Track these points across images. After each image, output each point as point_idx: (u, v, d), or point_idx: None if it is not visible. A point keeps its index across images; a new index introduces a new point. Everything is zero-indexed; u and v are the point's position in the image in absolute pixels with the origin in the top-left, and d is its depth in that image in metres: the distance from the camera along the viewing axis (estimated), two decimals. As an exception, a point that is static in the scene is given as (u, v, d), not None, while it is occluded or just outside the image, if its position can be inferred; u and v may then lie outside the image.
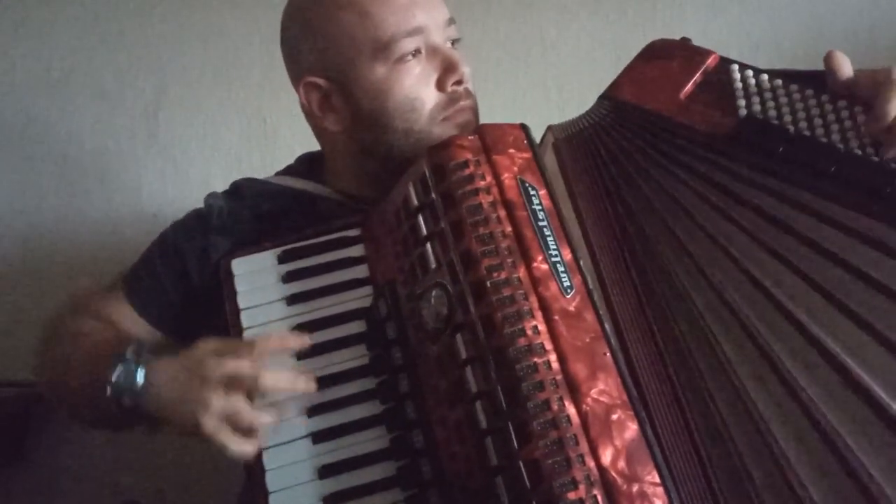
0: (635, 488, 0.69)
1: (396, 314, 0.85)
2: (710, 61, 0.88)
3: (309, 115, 1.01)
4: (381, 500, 0.80)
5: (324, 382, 0.84)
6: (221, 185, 1.08)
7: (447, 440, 0.78)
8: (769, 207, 0.77)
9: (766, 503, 0.71)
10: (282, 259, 0.92)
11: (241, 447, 0.78)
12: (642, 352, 0.77)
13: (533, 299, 0.76)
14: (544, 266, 0.78)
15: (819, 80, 0.82)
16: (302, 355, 0.86)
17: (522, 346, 0.74)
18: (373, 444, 0.82)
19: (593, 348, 0.75)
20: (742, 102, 0.83)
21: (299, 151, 1.13)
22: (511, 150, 0.84)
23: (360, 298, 0.89)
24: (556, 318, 0.75)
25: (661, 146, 0.84)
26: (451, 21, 0.97)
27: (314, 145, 1.07)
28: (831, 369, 0.71)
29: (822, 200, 0.76)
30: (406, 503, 0.80)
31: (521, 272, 0.77)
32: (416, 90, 0.93)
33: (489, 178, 0.82)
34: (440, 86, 0.94)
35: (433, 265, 0.82)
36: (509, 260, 0.78)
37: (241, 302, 0.89)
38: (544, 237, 0.79)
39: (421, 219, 0.84)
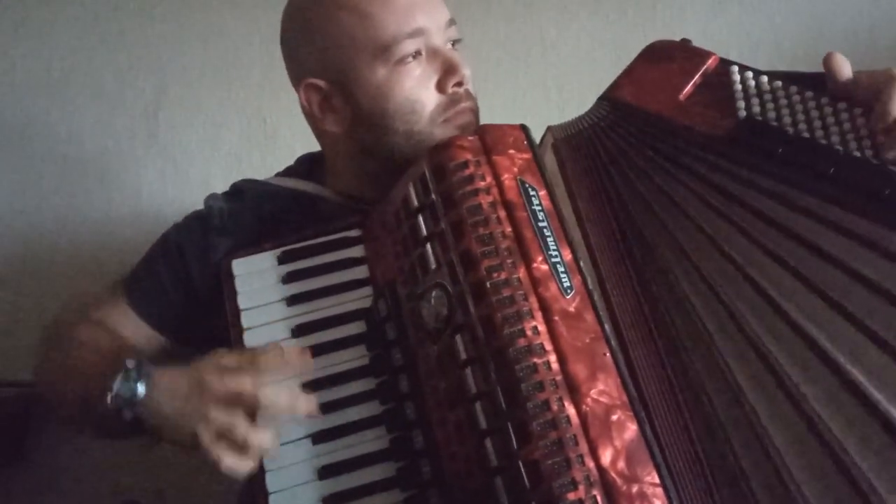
0: (635, 489, 0.69)
1: (396, 315, 0.85)
2: (710, 63, 0.88)
3: (309, 116, 1.01)
4: (381, 501, 0.80)
5: (324, 383, 0.85)
6: (221, 185, 1.08)
7: (447, 441, 0.78)
8: (768, 209, 0.77)
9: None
10: (282, 260, 0.92)
11: (237, 465, 0.78)
12: (642, 352, 0.77)
13: (533, 300, 0.76)
14: (544, 267, 0.78)
15: (819, 82, 0.82)
16: (302, 356, 0.87)
17: (522, 347, 0.74)
18: (373, 444, 0.82)
19: (593, 349, 0.75)
20: (741, 104, 0.83)
21: (299, 151, 1.14)
22: (511, 151, 0.84)
23: (360, 299, 0.89)
24: (556, 318, 0.75)
25: (660, 147, 0.84)
26: (452, 22, 0.97)
27: (314, 145, 1.07)
28: (828, 371, 0.71)
29: (822, 202, 0.76)
30: (406, 504, 0.80)
31: (521, 273, 0.77)
32: (417, 92, 0.93)
33: (489, 179, 0.82)
34: (440, 87, 0.94)
35: (433, 265, 0.82)
36: (509, 260, 0.78)
37: (242, 302, 0.90)
38: (544, 238, 0.79)
39: (421, 219, 0.84)
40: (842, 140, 0.78)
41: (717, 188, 0.80)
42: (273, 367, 0.81)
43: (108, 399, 0.81)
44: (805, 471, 0.70)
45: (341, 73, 0.94)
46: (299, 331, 0.88)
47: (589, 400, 0.72)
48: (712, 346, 0.75)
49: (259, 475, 0.81)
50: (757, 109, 0.82)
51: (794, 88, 0.82)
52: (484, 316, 0.76)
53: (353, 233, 0.93)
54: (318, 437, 0.83)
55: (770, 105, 0.82)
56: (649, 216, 0.82)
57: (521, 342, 0.74)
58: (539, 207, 0.81)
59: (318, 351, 0.86)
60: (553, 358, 0.74)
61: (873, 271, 0.72)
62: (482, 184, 0.81)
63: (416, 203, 0.85)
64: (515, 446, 0.72)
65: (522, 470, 0.71)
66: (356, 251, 0.92)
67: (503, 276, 0.77)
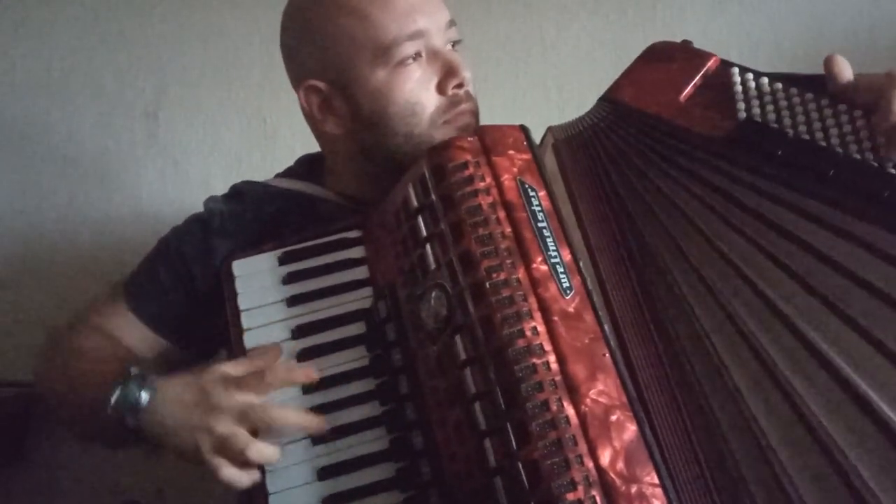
0: (634, 489, 0.69)
1: (396, 315, 0.85)
2: (711, 64, 0.88)
3: (309, 117, 1.01)
4: (381, 501, 0.80)
5: (324, 384, 0.85)
6: (221, 185, 1.08)
7: (447, 441, 0.78)
8: (767, 211, 0.77)
9: None
10: (282, 260, 0.92)
11: (236, 477, 0.78)
12: (642, 353, 0.77)
13: (532, 300, 0.76)
14: (543, 267, 0.78)
15: (819, 84, 0.82)
16: (303, 357, 0.86)
17: (521, 347, 0.74)
18: (372, 445, 0.82)
19: (592, 349, 0.75)
20: (742, 105, 0.83)
21: (299, 151, 1.14)
22: (511, 152, 0.84)
23: (360, 300, 0.89)
24: (556, 319, 0.75)
25: (660, 149, 0.84)
26: (452, 23, 0.96)
27: (314, 146, 1.07)
28: (826, 374, 0.71)
29: (821, 204, 0.76)
30: (405, 504, 0.80)
31: (521, 273, 0.77)
32: (417, 94, 0.93)
33: (489, 180, 0.82)
34: (441, 89, 0.94)
35: (433, 266, 0.82)
36: (508, 261, 0.78)
37: (242, 303, 0.90)
38: (544, 238, 0.79)
39: (420, 220, 0.84)
40: (842, 142, 0.78)
41: (716, 190, 0.80)
42: (279, 384, 0.81)
43: (111, 406, 0.81)
44: (802, 473, 0.70)
45: (341, 74, 0.94)
46: (299, 331, 0.88)
47: (588, 400, 0.72)
48: (710, 347, 0.75)
49: (259, 476, 0.81)
50: (757, 111, 0.82)
51: (794, 90, 0.82)
52: (483, 316, 0.76)
53: (353, 234, 0.93)
54: (318, 438, 0.83)
55: (770, 107, 0.82)
56: (649, 217, 0.82)
57: (521, 343, 0.74)
58: (539, 208, 0.81)
59: (318, 352, 0.87)
60: (552, 358, 0.74)
61: (872, 274, 0.72)
62: (482, 184, 0.81)
63: (415, 204, 0.85)
64: (515, 447, 0.72)
65: (522, 470, 0.71)
66: (356, 252, 0.92)
67: (502, 276, 0.77)
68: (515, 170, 0.83)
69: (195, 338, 0.98)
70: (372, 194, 0.97)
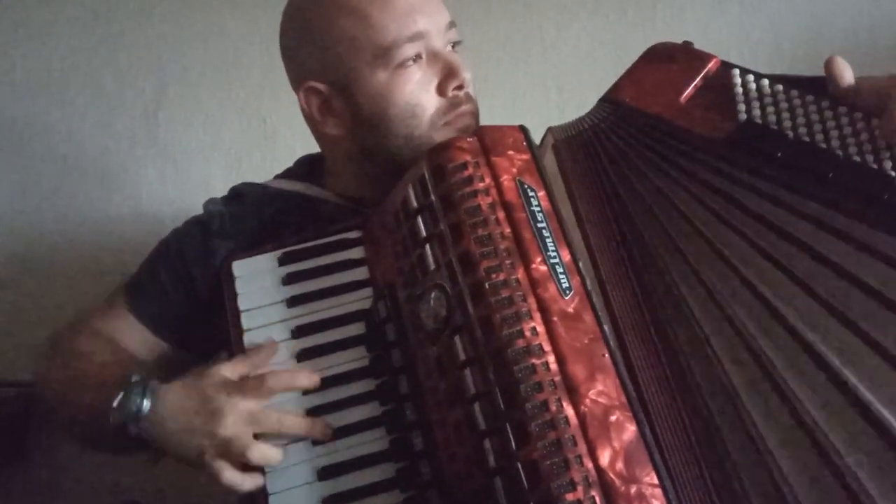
0: (633, 489, 0.69)
1: (396, 316, 0.85)
2: (712, 65, 0.88)
3: (309, 118, 1.01)
4: (381, 502, 0.80)
5: (324, 384, 0.85)
6: (221, 186, 1.08)
7: (446, 441, 0.78)
8: (767, 213, 0.77)
9: None
10: (282, 261, 0.92)
11: (241, 482, 0.78)
12: (642, 353, 0.77)
13: (531, 301, 0.76)
14: (543, 267, 0.78)
15: (820, 86, 0.81)
16: (303, 357, 0.86)
17: (521, 348, 0.74)
18: (372, 445, 0.82)
19: (592, 349, 0.75)
20: (742, 107, 0.83)
21: (299, 152, 1.14)
22: (510, 152, 0.84)
23: (360, 300, 0.89)
24: (555, 319, 0.75)
25: (660, 149, 0.84)
26: (452, 24, 0.96)
27: (314, 146, 1.07)
28: (824, 375, 0.71)
29: (821, 206, 0.75)
30: (405, 504, 0.80)
31: (520, 273, 0.77)
32: (417, 96, 0.93)
33: (488, 180, 0.82)
34: (441, 91, 0.94)
35: (432, 267, 0.82)
36: (508, 261, 0.78)
37: (242, 304, 0.90)
38: (543, 239, 0.79)
39: (420, 220, 0.84)
40: (842, 144, 0.78)
41: (716, 191, 0.80)
42: (281, 388, 0.81)
43: (113, 413, 0.81)
44: (800, 475, 0.70)
45: (341, 76, 0.94)
46: (299, 332, 0.88)
47: (587, 401, 0.72)
48: (709, 349, 0.75)
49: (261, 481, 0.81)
50: (757, 113, 0.82)
51: (794, 92, 0.82)
52: (483, 317, 0.76)
53: (353, 234, 0.93)
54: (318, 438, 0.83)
55: (771, 109, 0.82)
56: (648, 218, 0.82)
57: (520, 343, 0.74)
58: (538, 208, 0.81)
59: (318, 352, 0.87)
60: (552, 359, 0.74)
61: (871, 276, 0.72)
62: (481, 185, 0.81)
63: (415, 204, 0.85)
64: (514, 447, 0.71)
65: (521, 470, 0.71)
66: (356, 252, 0.92)
67: (502, 276, 0.77)
68: (515, 170, 0.83)
69: (195, 339, 0.98)
70: (372, 195, 0.97)
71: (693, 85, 0.87)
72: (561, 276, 0.78)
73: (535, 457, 0.70)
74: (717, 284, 0.77)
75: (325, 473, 0.81)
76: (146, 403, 0.81)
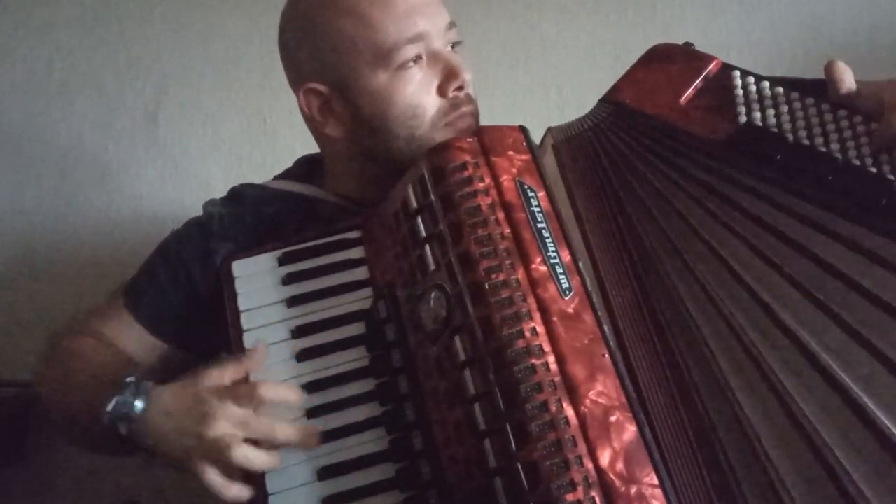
0: (633, 490, 0.69)
1: (396, 316, 0.85)
2: (712, 67, 0.88)
3: (309, 120, 1.01)
4: (381, 502, 0.80)
5: (324, 384, 0.85)
6: (221, 185, 1.08)
7: (446, 442, 0.78)
8: (766, 215, 0.77)
9: None
10: (282, 261, 0.92)
11: (221, 486, 0.78)
12: (641, 353, 0.77)
13: (531, 301, 0.76)
14: (543, 268, 0.78)
15: (820, 89, 0.81)
16: (303, 357, 0.86)
17: (521, 348, 0.74)
18: (372, 445, 0.82)
19: (592, 350, 0.75)
20: (742, 109, 0.83)
21: (299, 151, 1.14)
22: (510, 152, 0.84)
23: (359, 300, 0.89)
24: (555, 319, 0.75)
25: (659, 150, 0.84)
26: (452, 25, 0.96)
27: (314, 146, 1.07)
28: (821, 378, 0.71)
29: (819, 209, 0.75)
30: (405, 504, 0.80)
31: (520, 274, 0.77)
32: (418, 97, 0.93)
33: (488, 180, 0.82)
34: (441, 92, 0.94)
35: (432, 267, 0.82)
36: (508, 262, 0.78)
37: (242, 304, 0.90)
38: (543, 239, 0.79)
39: (420, 220, 0.84)
40: (841, 148, 0.78)
41: (715, 193, 0.80)
42: (269, 399, 0.81)
43: (106, 413, 0.81)
44: (796, 477, 0.70)
45: (342, 78, 0.94)
46: (299, 332, 0.88)
47: (587, 401, 0.72)
48: (707, 350, 0.75)
49: (259, 476, 0.81)
50: (757, 115, 0.82)
51: (794, 95, 0.82)
52: (482, 317, 0.76)
53: (353, 234, 0.93)
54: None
55: (770, 111, 0.82)
56: (647, 219, 0.82)
57: (520, 343, 0.74)
58: (538, 208, 0.81)
59: (317, 352, 0.87)
60: (552, 359, 0.74)
61: (869, 280, 0.72)
62: (481, 185, 0.81)
63: (415, 204, 0.85)
64: (514, 447, 0.71)
65: (521, 471, 0.71)
66: (356, 252, 0.92)
67: (502, 277, 0.77)
68: (514, 170, 0.83)
69: (195, 340, 0.98)
70: (372, 195, 0.97)
71: (693, 86, 0.87)
72: (561, 277, 0.78)
73: (536, 457, 0.70)
74: (715, 285, 0.77)
75: (325, 473, 0.81)
76: (138, 405, 0.81)
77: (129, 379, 0.83)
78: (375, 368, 0.85)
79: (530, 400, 0.72)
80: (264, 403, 0.81)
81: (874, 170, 0.76)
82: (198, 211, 1.03)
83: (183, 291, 0.98)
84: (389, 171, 0.93)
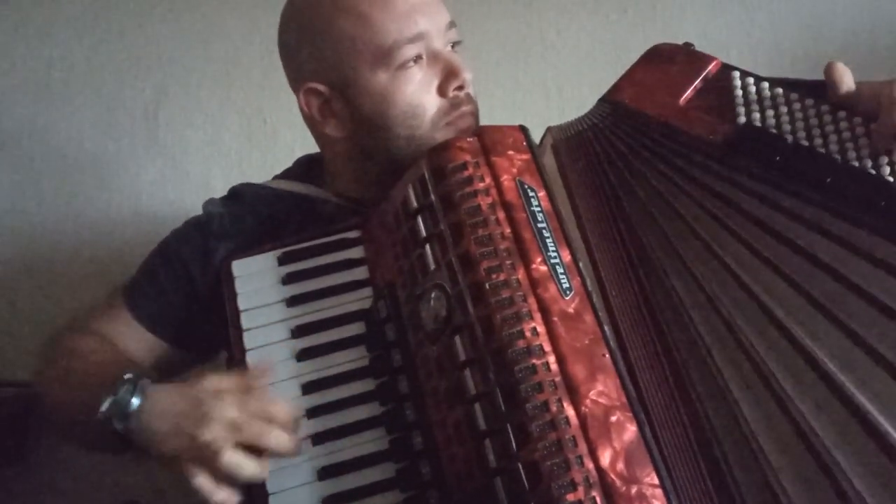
0: (634, 490, 0.69)
1: (396, 316, 0.85)
2: (712, 67, 0.88)
3: (309, 120, 1.01)
4: (381, 502, 0.80)
5: (324, 384, 0.85)
6: (221, 185, 1.08)
7: (446, 441, 0.78)
8: (764, 216, 0.77)
9: None
10: (282, 261, 0.92)
11: (210, 490, 0.77)
12: (642, 353, 0.77)
13: (532, 301, 0.76)
14: (543, 268, 0.78)
15: (820, 90, 0.81)
16: (303, 357, 0.86)
17: (521, 348, 0.74)
18: (372, 445, 0.82)
19: (592, 350, 0.75)
20: (741, 110, 0.83)
21: (299, 152, 1.14)
22: (510, 152, 0.84)
23: (359, 300, 0.89)
24: (555, 319, 0.75)
25: (658, 150, 0.84)
26: (452, 24, 0.96)
27: (314, 146, 1.07)
28: (819, 380, 0.71)
29: (818, 211, 0.76)
30: (405, 504, 0.80)
31: (520, 274, 0.77)
32: (418, 97, 0.93)
33: (488, 180, 0.82)
34: (442, 91, 0.94)
35: (432, 267, 0.82)
36: (508, 261, 0.78)
37: (242, 303, 0.90)
38: (543, 239, 0.79)
39: (420, 220, 0.84)
40: (840, 149, 0.78)
41: (713, 193, 0.80)
42: (263, 413, 0.80)
43: (101, 411, 0.81)
44: (794, 478, 0.70)
45: (342, 78, 0.94)
46: (299, 331, 0.88)
47: (588, 401, 0.72)
48: (705, 350, 0.75)
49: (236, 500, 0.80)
50: (757, 116, 0.82)
51: (794, 96, 0.82)
52: (483, 317, 0.76)
53: (353, 234, 0.93)
54: (318, 438, 0.83)
55: (770, 112, 0.82)
56: (647, 220, 0.82)
57: (520, 343, 0.74)
58: (538, 208, 0.81)
59: (317, 352, 0.87)
60: (552, 359, 0.74)
61: (868, 281, 0.72)
62: (481, 185, 0.81)
63: (415, 204, 0.85)
64: (515, 447, 0.71)
65: (522, 471, 0.71)
66: (356, 252, 0.92)
67: (502, 277, 0.77)
68: (515, 170, 0.83)
69: (194, 339, 0.98)
70: (372, 195, 0.97)
71: (693, 87, 0.87)
72: (561, 277, 0.78)
73: (536, 457, 0.70)
74: (714, 287, 0.77)
75: (325, 473, 0.81)
76: (135, 402, 0.81)
77: (126, 376, 0.83)
78: (375, 368, 0.85)
79: (531, 400, 0.72)
80: (258, 415, 0.80)
81: (873, 171, 0.76)
82: (198, 211, 1.03)
83: (182, 291, 0.97)
84: (389, 170, 0.93)
